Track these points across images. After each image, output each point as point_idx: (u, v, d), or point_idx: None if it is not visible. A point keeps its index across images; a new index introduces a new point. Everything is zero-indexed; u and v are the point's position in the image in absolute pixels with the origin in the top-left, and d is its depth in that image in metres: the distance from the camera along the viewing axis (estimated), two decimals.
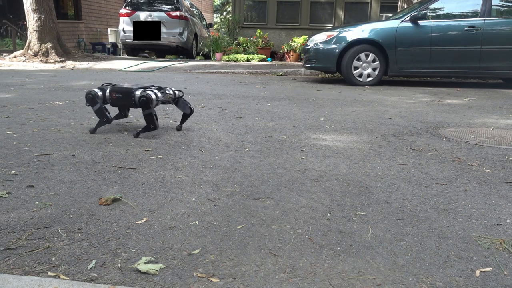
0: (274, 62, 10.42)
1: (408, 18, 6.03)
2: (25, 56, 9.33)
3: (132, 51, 12.03)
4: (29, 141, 2.56)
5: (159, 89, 2.77)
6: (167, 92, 2.78)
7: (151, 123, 2.65)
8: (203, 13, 16.30)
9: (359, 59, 6.20)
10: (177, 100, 2.87)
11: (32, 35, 9.27)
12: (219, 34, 12.72)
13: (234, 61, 10.17)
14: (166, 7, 11.27)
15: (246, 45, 11.23)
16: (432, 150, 2.54)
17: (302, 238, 1.38)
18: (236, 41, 11.59)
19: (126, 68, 8.57)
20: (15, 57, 9.45)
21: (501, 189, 1.87)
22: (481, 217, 1.57)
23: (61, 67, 8.71)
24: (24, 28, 11.07)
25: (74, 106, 3.88)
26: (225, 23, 13.50)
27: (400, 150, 2.52)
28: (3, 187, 1.78)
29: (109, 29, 16.21)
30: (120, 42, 12.43)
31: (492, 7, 5.87)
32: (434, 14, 6.05)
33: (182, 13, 11.22)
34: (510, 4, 6.00)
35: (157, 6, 11.28)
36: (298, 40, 10.79)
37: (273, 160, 2.26)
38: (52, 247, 1.28)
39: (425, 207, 1.66)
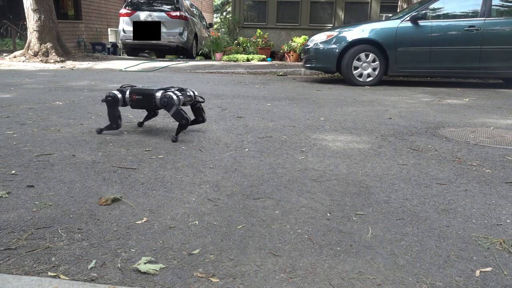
0: (274, 62, 10.43)
1: (408, 18, 6.03)
2: (25, 56, 9.33)
3: (132, 51, 12.03)
4: (29, 141, 2.56)
5: (180, 90, 2.75)
6: (188, 93, 2.76)
7: (182, 119, 2.61)
8: (203, 13, 16.30)
9: (359, 59, 6.20)
10: (194, 104, 2.83)
11: (32, 35, 9.27)
12: (219, 34, 12.72)
13: (234, 61, 10.17)
14: (166, 7, 11.28)
15: (246, 45, 11.24)
16: (432, 150, 2.54)
17: (302, 238, 1.38)
18: (236, 41, 11.60)
19: (126, 68, 8.57)
20: (15, 57, 9.45)
21: (501, 189, 1.87)
22: (481, 217, 1.57)
23: (61, 67, 8.71)
24: (24, 28, 11.07)
25: (74, 106, 3.88)
26: (225, 23, 13.51)
27: (400, 150, 2.52)
28: (3, 187, 1.78)
29: (109, 29, 16.22)
30: (120, 42, 12.43)
31: (492, 7, 5.87)
32: (434, 14, 6.05)
33: (182, 13, 11.22)
34: (510, 4, 6.00)
35: (157, 6, 11.29)
36: (298, 40, 10.79)
37: (273, 160, 2.26)
38: (52, 247, 1.28)
39: (425, 207, 1.66)
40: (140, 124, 3.07)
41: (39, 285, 1.07)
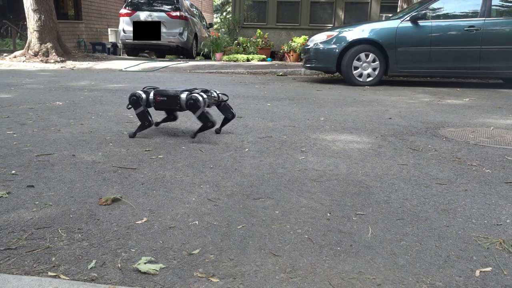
0: (274, 62, 10.43)
1: (408, 18, 6.03)
2: (25, 56, 9.33)
3: (132, 51, 12.03)
4: (29, 141, 2.56)
5: (205, 91, 2.73)
6: (212, 95, 2.75)
7: (207, 122, 2.60)
8: (203, 13, 16.31)
9: (359, 59, 6.20)
10: (219, 104, 2.82)
11: (32, 35, 9.27)
12: (219, 34, 12.72)
13: (234, 61, 10.17)
14: (166, 7, 11.28)
15: (246, 45, 11.23)
16: (432, 150, 2.54)
17: (302, 238, 1.38)
18: (236, 41, 11.59)
19: (126, 68, 8.57)
20: (15, 57, 9.45)
21: (501, 189, 1.87)
22: (481, 217, 1.57)
23: (61, 67, 8.71)
24: (24, 28, 11.07)
25: (74, 106, 3.88)
26: (225, 23, 13.50)
27: (400, 150, 2.52)
28: (3, 187, 1.78)
29: (109, 29, 16.21)
30: (120, 42, 12.43)
31: (492, 7, 5.87)
32: (434, 14, 6.05)
33: (182, 13, 11.23)
34: (510, 4, 6.00)
35: (157, 6, 11.29)
36: (298, 40, 10.79)
37: (273, 160, 2.26)
38: (52, 247, 1.29)
39: (425, 207, 1.66)
40: (157, 124, 3.05)
41: (39, 285, 1.07)
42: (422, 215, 1.58)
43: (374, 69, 6.22)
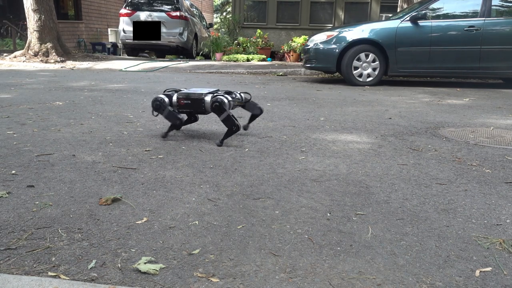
0: (274, 62, 10.43)
1: (408, 18, 6.03)
2: (25, 56, 9.33)
3: (132, 51, 12.04)
4: (29, 141, 2.56)
5: (228, 93, 2.70)
6: (236, 96, 2.71)
7: (232, 125, 2.52)
8: (203, 13, 16.31)
9: (359, 59, 6.20)
10: (244, 104, 2.79)
11: (32, 35, 9.27)
12: (219, 34, 12.72)
13: (234, 61, 10.17)
14: (166, 7, 11.28)
15: (246, 45, 11.24)
16: (432, 150, 2.55)
17: (302, 238, 1.38)
18: (236, 41, 11.60)
19: (126, 68, 8.57)
20: (15, 57, 9.45)
21: (501, 189, 1.87)
22: (481, 217, 1.57)
23: (61, 67, 8.71)
24: (24, 28, 11.07)
25: (74, 106, 3.88)
26: (225, 23, 13.51)
27: (400, 150, 2.52)
28: (3, 187, 1.78)
29: (109, 29, 16.22)
30: (120, 42, 12.43)
31: (492, 7, 5.87)
32: (434, 14, 6.05)
33: (182, 13, 11.23)
34: (510, 4, 6.00)
35: (157, 6, 11.29)
36: (298, 40, 10.79)
37: (273, 160, 2.26)
38: (52, 247, 1.29)
39: (425, 207, 1.66)
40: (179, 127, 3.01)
41: (39, 285, 1.07)
42: (422, 215, 1.58)
43: (374, 69, 6.22)
